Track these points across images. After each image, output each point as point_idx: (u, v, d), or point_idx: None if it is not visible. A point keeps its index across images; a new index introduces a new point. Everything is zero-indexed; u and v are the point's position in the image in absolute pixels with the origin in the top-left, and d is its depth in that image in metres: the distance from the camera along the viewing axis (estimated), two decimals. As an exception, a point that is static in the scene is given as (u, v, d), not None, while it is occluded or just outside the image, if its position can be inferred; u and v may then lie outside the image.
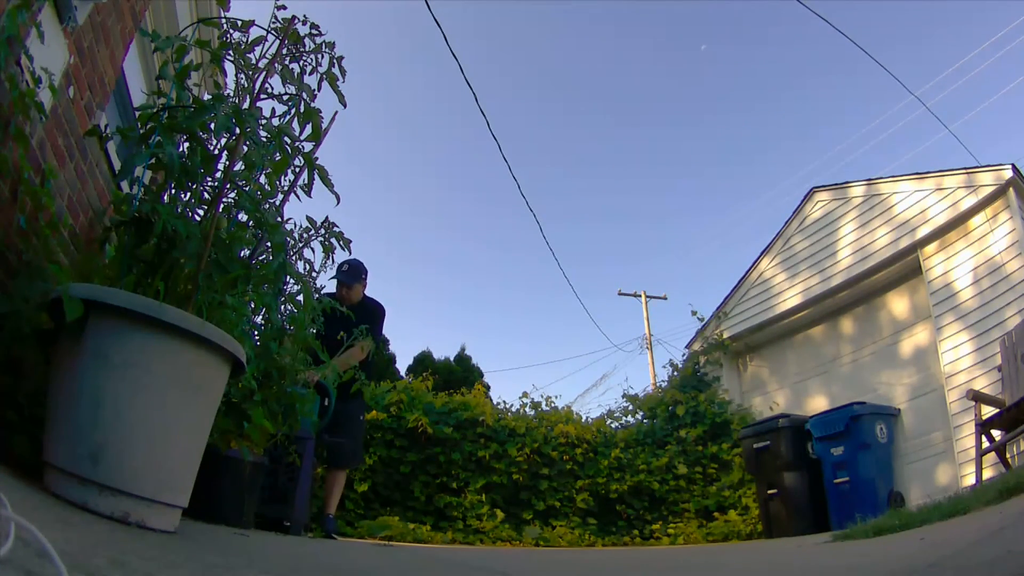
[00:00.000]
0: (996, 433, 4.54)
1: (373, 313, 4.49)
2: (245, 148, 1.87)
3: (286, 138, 1.94)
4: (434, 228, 41.16)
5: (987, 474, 4.58)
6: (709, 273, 37.10)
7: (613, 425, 7.47)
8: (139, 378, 1.48)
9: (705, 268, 37.16)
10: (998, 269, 5.41)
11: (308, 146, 2.03)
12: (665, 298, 17.87)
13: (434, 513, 6.06)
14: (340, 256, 3.04)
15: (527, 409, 7.15)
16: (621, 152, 38.05)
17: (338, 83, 2.07)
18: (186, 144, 1.86)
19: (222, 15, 2.08)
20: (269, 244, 2.14)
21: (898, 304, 6.60)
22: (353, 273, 4.44)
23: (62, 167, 2.12)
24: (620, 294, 17.75)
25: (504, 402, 8.53)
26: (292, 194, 2.32)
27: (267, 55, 2.01)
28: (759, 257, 7.99)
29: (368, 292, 4.62)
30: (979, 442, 4.60)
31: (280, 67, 1.98)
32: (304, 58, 2.05)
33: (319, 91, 2.05)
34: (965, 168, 5.88)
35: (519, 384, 47.99)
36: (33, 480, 1.44)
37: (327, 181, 2.05)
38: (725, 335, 8.04)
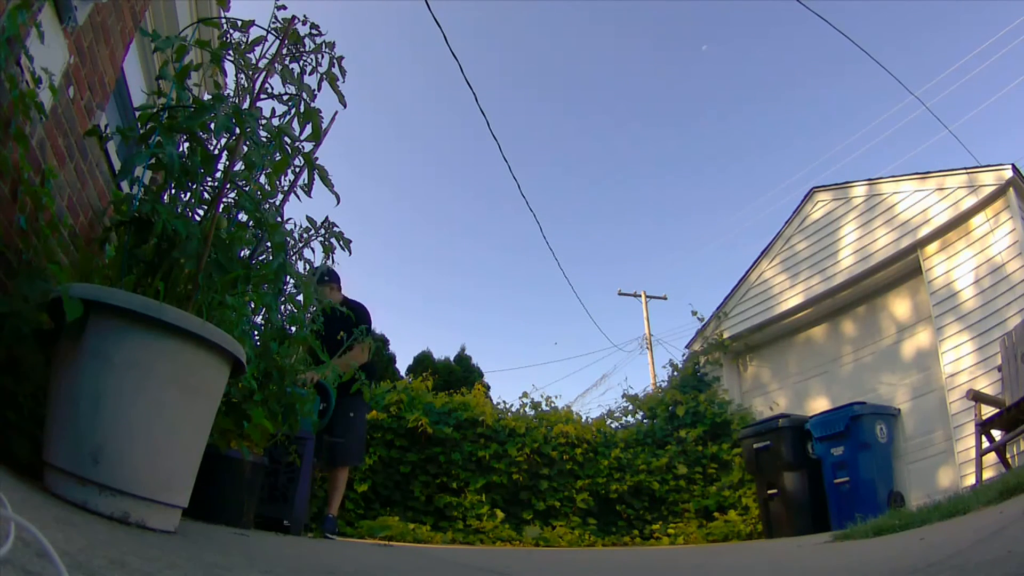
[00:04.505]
0: (996, 433, 4.54)
1: (362, 315, 4.51)
2: (245, 148, 1.87)
3: (286, 138, 1.94)
4: (434, 228, 41.16)
5: (987, 474, 4.58)
6: (709, 273, 37.07)
7: (613, 425, 7.47)
8: (139, 378, 1.49)
9: (705, 268, 37.16)
10: (998, 269, 5.41)
11: (308, 146, 2.04)
12: (665, 298, 17.89)
13: (434, 513, 6.06)
14: (340, 256, 3.05)
15: (527, 409, 7.15)
16: (621, 152, 38.04)
17: (338, 83, 2.08)
18: (186, 144, 1.86)
19: (222, 15, 2.08)
20: (269, 244, 2.14)
21: (899, 304, 6.60)
22: (332, 274, 4.46)
23: (62, 167, 2.12)
24: (620, 294, 17.76)
25: (504, 402, 8.55)
26: (292, 194, 2.32)
27: (267, 55, 2.01)
28: (759, 257, 7.98)
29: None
30: (979, 442, 4.60)
31: (280, 67, 1.98)
32: (304, 58, 2.05)
33: (319, 91, 2.05)
34: (966, 168, 5.87)
35: (519, 384, 48.00)
36: (33, 480, 1.44)
37: (327, 181, 2.05)
38: (725, 335, 8.04)
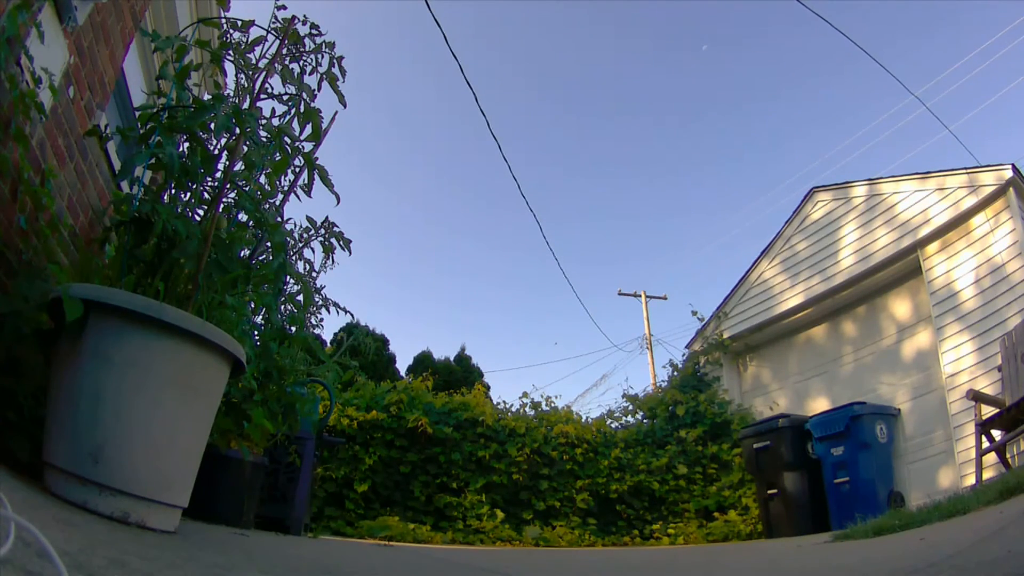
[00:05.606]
0: (996, 433, 4.53)
1: None
2: (245, 148, 1.87)
3: (286, 138, 1.94)
4: (434, 228, 41.10)
5: (987, 474, 4.58)
6: (709, 273, 37.03)
7: (613, 425, 7.48)
8: (139, 378, 1.49)
9: (705, 268, 37.13)
10: (998, 269, 5.41)
11: (308, 146, 2.04)
12: (665, 298, 17.87)
13: (434, 513, 6.06)
14: (340, 256, 3.05)
15: (527, 409, 7.16)
16: (621, 151, 37.98)
17: (338, 83, 2.08)
18: (186, 144, 1.86)
19: (222, 15, 2.08)
20: (269, 244, 2.14)
21: (899, 304, 6.60)
22: None
23: (62, 167, 2.12)
24: (620, 294, 17.74)
25: (504, 402, 8.55)
26: (292, 194, 2.32)
27: (267, 55, 2.01)
28: (759, 257, 7.99)
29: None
30: (979, 442, 4.60)
31: (280, 67, 1.98)
32: (304, 58, 2.05)
33: (319, 91, 2.05)
34: (966, 168, 5.87)
35: (519, 384, 47.99)
36: (33, 480, 1.44)
37: (327, 181, 2.05)
38: (725, 335, 8.04)
